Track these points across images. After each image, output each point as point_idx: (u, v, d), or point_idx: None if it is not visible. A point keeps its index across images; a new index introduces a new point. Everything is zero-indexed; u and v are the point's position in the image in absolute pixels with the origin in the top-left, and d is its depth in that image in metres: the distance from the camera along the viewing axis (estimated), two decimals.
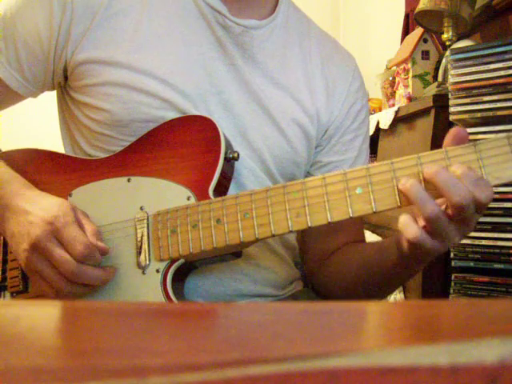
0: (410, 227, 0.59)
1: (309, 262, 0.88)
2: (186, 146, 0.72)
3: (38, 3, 0.73)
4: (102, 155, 0.76)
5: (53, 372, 0.17)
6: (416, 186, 0.58)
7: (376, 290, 0.79)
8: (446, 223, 0.58)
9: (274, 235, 0.64)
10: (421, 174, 0.59)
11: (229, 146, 0.72)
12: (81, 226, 0.67)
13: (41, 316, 0.29)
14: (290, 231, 0.63)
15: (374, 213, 0.60)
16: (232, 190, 0.73)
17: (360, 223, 0.88)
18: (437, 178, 0.57)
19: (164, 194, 0.70)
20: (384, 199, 0.60)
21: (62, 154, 0.79)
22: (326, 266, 0.84)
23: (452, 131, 0.60)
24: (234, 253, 0.69)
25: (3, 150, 0.86)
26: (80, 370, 0.17)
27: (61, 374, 0.17)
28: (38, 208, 0.67)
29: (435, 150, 0.59)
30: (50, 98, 0.87)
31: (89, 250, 0.65)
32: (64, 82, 0.79)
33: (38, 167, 0.78)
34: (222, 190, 0.71)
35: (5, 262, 0.77)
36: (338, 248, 0.84)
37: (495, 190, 1.18)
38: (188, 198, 0.69)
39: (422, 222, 0.59)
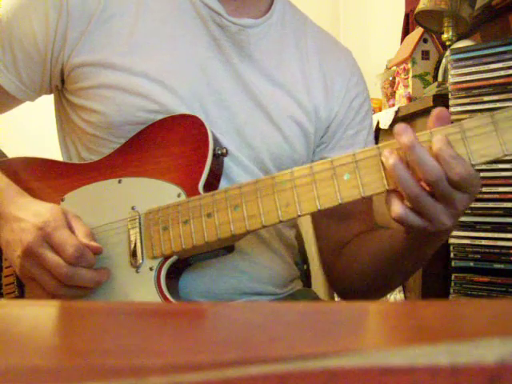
0: (393, 205, 0.60)
1: (325, 255, 0.88)
2: (174, 144, 0.72)
3: (34, 8, 0.73)
4: (95, 158, 0.77)
5: (53, 372, 0.17)
6: (398, 165, 0.58)
7: (392, 276, 0.79)
8: (429, 202, 0.58)
9: (264, 226, 0.64)
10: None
11: (217, 142, 0.72)
12: (72, 229, 0.67)
13: (40, 316, 0.29)
14: (281, 221, 0.64)
15: (363, 198, 0.61)
16: None
17: (371, 212, 0.88)
18: (410, 153, 0.57)
19: (155, 192, 0.71)
20: (371, 183, 0.61)
21: (54, 161, 0.79)
22: (342, 256, 0.84)
23: (435, 112, 0.60)
24: (226, 248, 0.70)
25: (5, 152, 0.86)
26: (80, 370, 0.17)
27: (61, 374, 0.17)
28: (30, 214, 0.67)
29: (421, 132, 0.59)
30: (48, 101, 0.87)
31: (79, 251, 0.65)
32: (61, 86, 0.79)
33: (31, 175, 0.78)
34: (212, 186, 0.71)
35: (0, 269, 0.77)
36: (352, 238, 0.84)
37: (495, 191, 1.18)
38: (178, 195, 0.70)
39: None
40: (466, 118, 1.33)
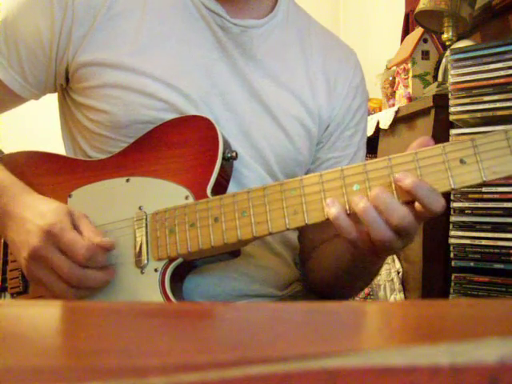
0: (331, 207, 0.60)
1: (301, 252, 0.89)
2: (184, 145, 0.72)
3: (39, 6, 0.73)
4: (102, 156, 0.76)
5: (53, 372, 0.17)
6: (368, 210, 0.59)
7: (349, 283, 0.80)
8: (396, 241, 0.60)
9: (271, 233, 0.64)
10: (418, 170, 0.59)
11: (227, 145, 0.72)
12: (78, 229, 0.67)
13: (41, 316, 0.29)
14: (288, 229, 0.63)
15: None
16: (233, 190, 0.73)
17: None
18: (380, 205, 0.58)
19: (162, 193, 0.71)
20: None
21: (62, 156, 0.79)
22: (312, 258, 0.85)
23: (419, 140, 0.61)
24: (232, 252, 0.70)
25: (5, 151, 0.86)
26: (80, 370, 0.17)
27: (61, 374, 0.17)
28: (35, 215, 0.66)
29: (432, 146, 0.59)
30: (51, 99, 0.87)
31: (90, 252, 0.65)
32: (65, 84, 0.79)
33: (37, 169, 0.78)
34: (220, 189, 0.71)
35: (5, 263, 0.77)
36: (325, 241, 0.84)
37: (495, 191, 1.18)
38: (186, 198, 0.69)
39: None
40: (466, 118, 1.33)
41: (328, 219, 0.61)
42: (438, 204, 0.57)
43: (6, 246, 0.77)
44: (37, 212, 0.67)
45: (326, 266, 0.81)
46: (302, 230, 0.87)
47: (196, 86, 0.74)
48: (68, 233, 0.65)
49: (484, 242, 1.19)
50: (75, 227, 0.67)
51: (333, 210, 0.59)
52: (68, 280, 0.65)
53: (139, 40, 0.73)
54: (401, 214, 0.57)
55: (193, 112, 0.74)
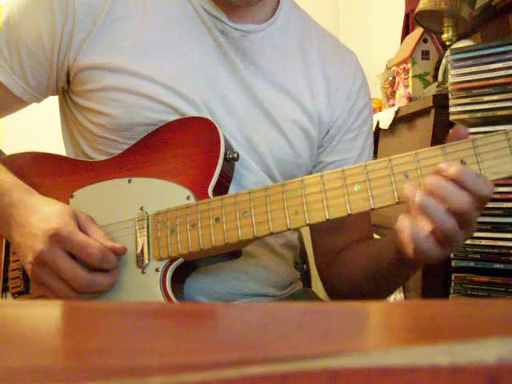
0: (406, 227, 0.58)
1: (319, 260, 0.88)
2: (186, 146, 0.72)
3: (40, 9, 0.73)
4: (104, 158, 0.76)
5: (53, 372, 0.17)
6: (428, 202, 0.56)
7: (379, 288, 0.79)
8: (459, 234, 0.57)
9: (272, 233, 0.64)
10: (418, 171, 0.58)
11: (229, 146, 0.72)
12: (86, 232, 0.66)
13: (41, 316, 0.29)
14: (289, 229, 0.63)
15: (373, 209, 0.60)
16: (233, 191, 0.73)
17: (368, 219, 0.88)
18: (437, 191, 0.56)
19: (164, 194, 0.71)
20: (382, 196, 0.60)
21: (64, 157, 0.79)
22: (334, 264, 0.84)
23: (453, 131, 0.60)
24: (233, 253, 0.70)
25: (6, 153, 0.86)
26: (80, 370, 0.17)
27: (61, 373, 0.17)
28: (39, 218, 0.66)
29: (433, 147, 0.59)
30: (52, 100, 0.87)
31: (104, 253, 0.64)
32: (67, 87, 0.79)
33: (39, 170, 0.78)
34: (221, 190, 0.71)
35: (7, 262, 0.77)
36: (347, 246, 0.84)
37: (495, 191, 1.18)
38: (188, 198, 0.70)
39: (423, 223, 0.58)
40: (466, 118, 1.33)
41: (328, 219, 0.61)
42: (487, 188, 0.56)
43: (7, 245, 0.77)
44: (41, 215, 0.66)
45: (357, 270, 0.79)
46: (319, 238, 0.87)
47: (197, 90, 0.75)
48: (78, 235, 0.64)
49: (484, 242, 1.19)
50: (81, 229, 0.67)
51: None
52: (74, 285, 0.64)
53: (140, 44, 0.74)
54: (464, 199, 0.55)
55: (194, 113, 0.74)
